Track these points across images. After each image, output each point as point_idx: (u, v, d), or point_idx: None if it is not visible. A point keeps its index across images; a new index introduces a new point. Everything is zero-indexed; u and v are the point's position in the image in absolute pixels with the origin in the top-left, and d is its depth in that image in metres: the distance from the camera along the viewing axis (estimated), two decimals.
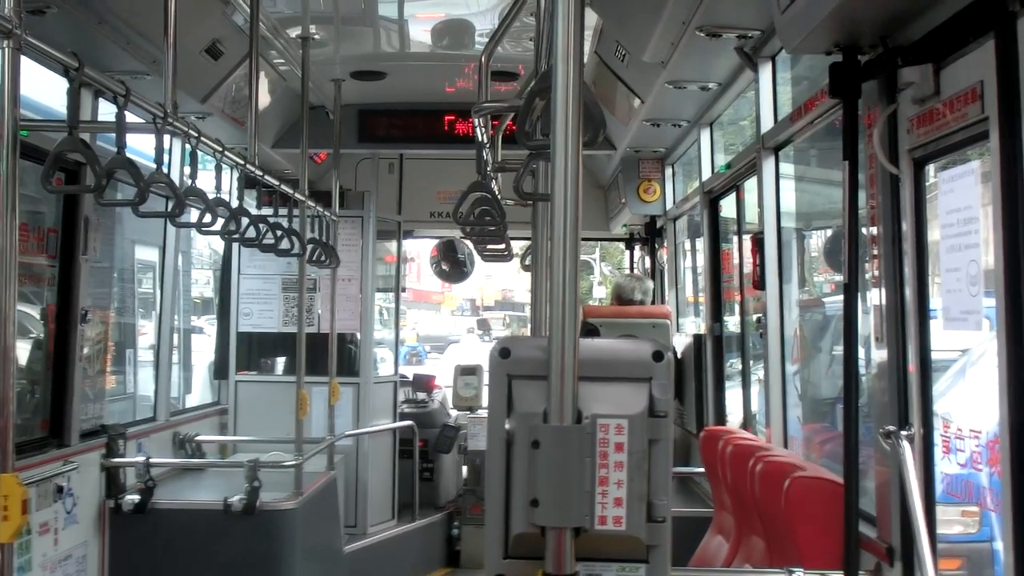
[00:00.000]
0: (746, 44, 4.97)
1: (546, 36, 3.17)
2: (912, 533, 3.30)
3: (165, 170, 4.37)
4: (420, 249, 15.26)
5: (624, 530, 2.00)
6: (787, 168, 5.42)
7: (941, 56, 3.14)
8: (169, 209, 4.62)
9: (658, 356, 2.06)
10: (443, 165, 9.56)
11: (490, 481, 2.04)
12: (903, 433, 3.40)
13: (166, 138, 4.44)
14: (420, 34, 6.86)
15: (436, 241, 11.36)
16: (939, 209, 3.24)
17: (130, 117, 4.16)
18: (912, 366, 3.44)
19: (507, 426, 2.03)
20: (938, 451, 3.56)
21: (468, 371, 9.73)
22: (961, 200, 3.08)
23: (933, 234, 3.38)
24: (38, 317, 5.53)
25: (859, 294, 3.75)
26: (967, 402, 4.34)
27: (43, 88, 4.99)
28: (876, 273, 3.64)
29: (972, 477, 4.09)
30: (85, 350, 5.66)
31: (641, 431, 2.00)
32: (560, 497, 1.95)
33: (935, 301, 3.38)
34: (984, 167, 2.98)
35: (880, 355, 3.63)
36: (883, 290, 3.58)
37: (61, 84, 3.95)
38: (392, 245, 9.91)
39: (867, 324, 3.81)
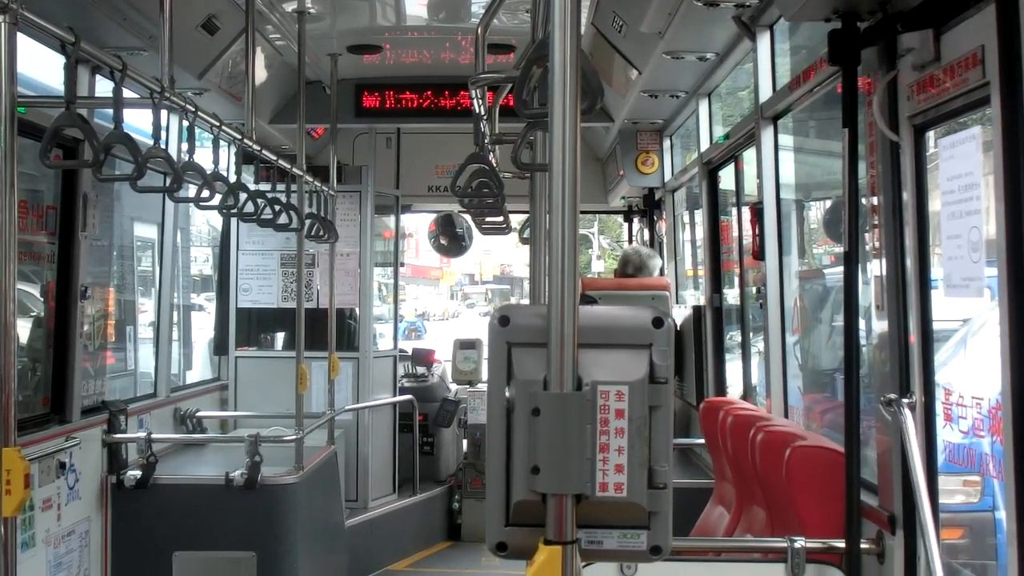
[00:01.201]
0: (744, 13, 4.93)
1: (543, 5, 3.15)
2: (914, 501, 3.30)
3: (163, 146, 4.36)
4: (418, 225, 15.26)
5: (625, 497, 2.00)
6: (786, 139, 5.40)
7: (941, 21, 3.11)
8: (167, 184, 4.61)
9: (658, 322, 2.05)
10: (441, 139, 9.53)
11: (491, 449, 2.04)
12: (904, 401, 3.39)
13: (163, 114, 4.41)
14: (416, 7, 6.81)
15: (434, 215, 11.34)
16: (940, 176, 3.23)
17: (127, 93, 4.15)
18: (913, 335, 3.44)
19: (507, 394, 2.03)
20: (939, 420, 3.56)
21: (467, 345, 9.74)
22: (962, 167, 3.07)
23: (934, 204, 3.37)
24: (38, 295, 5.53)
25: (859, 263, 3.74)
26: (968, 371, 4.34)
27: (41, 69, 4.97)
28: (877, 243, 3.63)
29: (974, 445, 4.10)
30: (85, 327, 5.65)
31: (641, 397, 2.00)
32: (561, 464, 1.94)
33: (936, 271, 3.38)
34: (985, 135, 2.97)
35: (881, 324, 3.63)
36: (884, 259, 3.57)
37: (58, 63, 3.92)
38: (390, 220, 9.88)
39: (867, 294, 3.80)
